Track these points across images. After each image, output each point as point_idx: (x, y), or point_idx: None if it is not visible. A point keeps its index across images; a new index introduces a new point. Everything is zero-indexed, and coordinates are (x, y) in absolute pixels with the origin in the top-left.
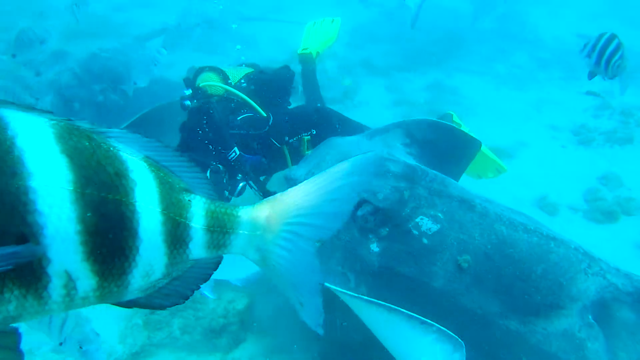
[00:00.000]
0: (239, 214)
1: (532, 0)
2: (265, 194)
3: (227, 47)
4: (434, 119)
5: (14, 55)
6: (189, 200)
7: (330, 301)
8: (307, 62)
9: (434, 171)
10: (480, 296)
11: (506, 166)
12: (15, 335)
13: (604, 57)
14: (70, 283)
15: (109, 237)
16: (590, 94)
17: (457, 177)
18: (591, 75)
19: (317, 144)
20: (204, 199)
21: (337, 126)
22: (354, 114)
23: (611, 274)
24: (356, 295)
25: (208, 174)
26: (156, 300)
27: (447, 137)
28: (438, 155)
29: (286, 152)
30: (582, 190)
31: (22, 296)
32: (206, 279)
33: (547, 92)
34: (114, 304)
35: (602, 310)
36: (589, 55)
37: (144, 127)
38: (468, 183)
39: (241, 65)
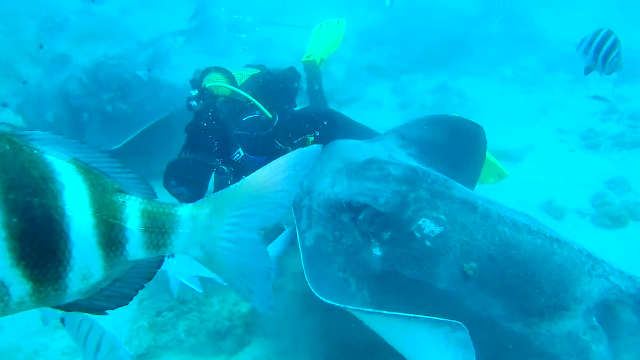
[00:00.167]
0: (178, 212)
1: (539, 1)
2: None
3: (234, 50)
4: (429, 115)
5: (41, 46)
6: (123, 201)
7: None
8: (311, 69)
9: (435, 172)
10: (485, 298)
11: (508, 171)
12: None
13: (601, 54)
14: (2, 289)
15: (38, 242)
16: (597, 99)
17: (473, 169)
18: (587, 71)
19: (322, 142)
20: (139, 200)
21: (342, 129)
22: (360, 117)
23: (614, 276)
24: (365, 310)
25: (213, 176)
26: (98, 302)
27: (446, 129)
28: (441, 150)
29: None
30: (590, 194)
31: None
32: (150, 277)
33: (554, 94)
34: (54, 307)
35: (605, 312)
36: (586, 51)
37: (154, 134)
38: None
39: (248, 66)
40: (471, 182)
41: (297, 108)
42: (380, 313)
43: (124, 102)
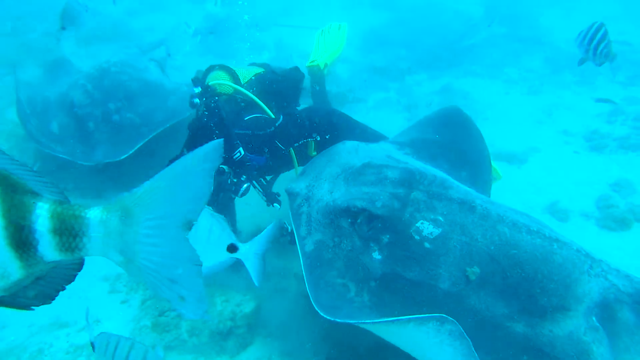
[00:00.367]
0: (88, 215)
1: (545, 2)
2: (269, 195)
3: (239, 52)
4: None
5: (63, 28)
6: (33, 202)
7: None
8: (315, 74)
9: (432, 173)
10: (487, 297)
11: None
12: None
13: (592, 45)
14: None
15: None
16: (601, 101)
17: (477, 158)
18: (581, 62)
19: (323, 145)
20: (50, 202)
21: (345, 131)
22: (365, 118)
23: (612, 275)
24: (354, 321)
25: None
26: (21, 299)
27: (435, 124)
28: (437, 145)
29: (292, 153)
30: (595, 196)
31: None
32: (71, 280)
33: (560, 96)
34: None
35: (604, 312)
36: (581, 44)
37: (162, 139)
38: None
39: (252, 64)
40: (480, 172)
41: (300, 107)
42: (368, 322)
43: (131, 110)
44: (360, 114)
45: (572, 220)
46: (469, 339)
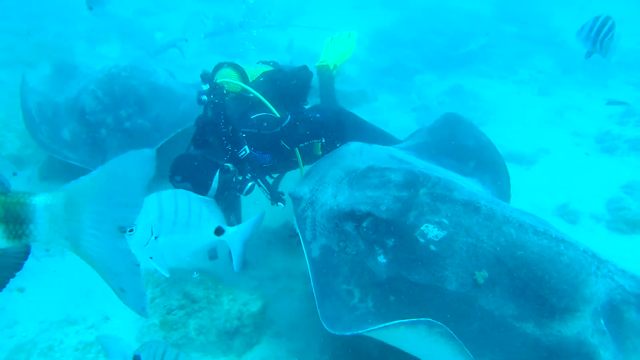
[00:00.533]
0: (33, 202)
1: (556, 2)
2: (274, 194)
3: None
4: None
5: (90, 8)
6: None
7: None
8: (324, 73)
9: (436, 174)
10: (496, 298)
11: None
12: None
13: (599, 38)
14: None
15: None
16: (612, 104)
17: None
18: (588, 55)
19: (329, 145)
20: None
21: (352, 132)
22: (374, 118)
23: (619, 275)
24: (350, 333)
25: (217, 174)
26: None
27: (436, 130)
28: (438, 146)
29: (297, 153)
30: (605, 199)
31: None
32: (18, 268)
33: (571, 97)
34: None
35: (612, 313)
36: (587, 37)
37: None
38: None
39: (261, 62)
40: (491, 168)
41: (308, 106)
42: (362, 332)
43: (142, 116)
44: (368, 114)
45: (582, 222)
46: (457, 339)
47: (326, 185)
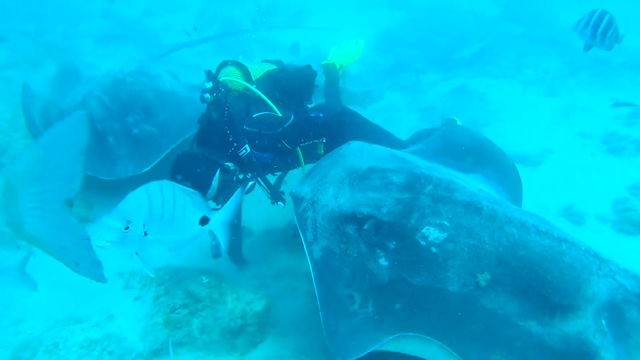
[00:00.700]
0: None
1: (563, 2)
2: (274, 193)
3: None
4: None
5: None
6: None
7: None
8: (330, 71)
9: (438, 175)
10: (499, 297)
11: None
12: None
13: (599, 31)
14: None
15: None
16: (619, 105)
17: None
18: (587, 48)
19: (331, 144)
20: None
21: (355, 131)
22: (379, 118)
23: (620, 275)
24: (381, 343)
25: (218, 173)
26: None
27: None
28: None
29: (299, 152)
30: (611, 200)
31: None
32: None
33: (577, 98)
34: None
35: (613, 313)
36: (583, 31)
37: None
38: None
39: (265, 61)
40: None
41: (312, 105)
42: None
43: (149, 122)
44: (373, 114)
45: (588, 223)
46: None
47: (327, 186)
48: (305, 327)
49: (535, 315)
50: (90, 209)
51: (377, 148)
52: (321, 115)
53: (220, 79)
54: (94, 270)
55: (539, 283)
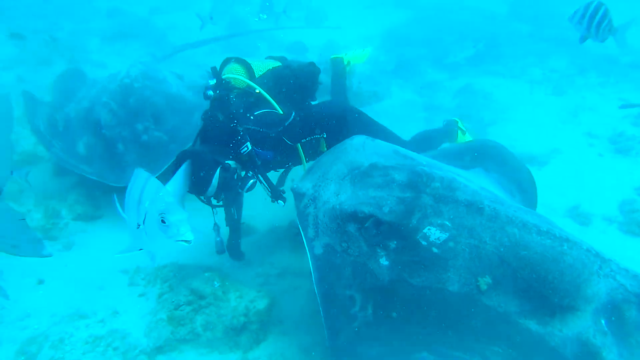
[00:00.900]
0: None
1: (571, 2)
2: (275, 191)
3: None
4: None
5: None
6: None
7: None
8: (338, 64)
9: (440, 173)
10: (499, 297)
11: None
12: None
13: (594, 23)
14: None
15: None
16: (627, 107)
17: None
18: (582, 39)
19: (334, 142)
20: None
21: (357, 128)
22: (385, 117)
23: (621, 275)
24: None
25: (218, 172)
26: None
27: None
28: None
29: (300, 149)
30: (618, 200)
31: None
32: None
33: (585, 97)
34: None
35: (613, 313)
36: (580, 22)
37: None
38: None
39: (269, 57)
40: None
41: (315, 102)
42: None
43: (158, 129)
44: (379, 113)
45: (594, 224)
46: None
47: (329, 182)
48: (307, 325)
49: (536, 315)
50: (97, 208)
51: (380, 143)
52: (322, 111)
53: (223, 77)
54: (34, 248)
55: (540, 283)
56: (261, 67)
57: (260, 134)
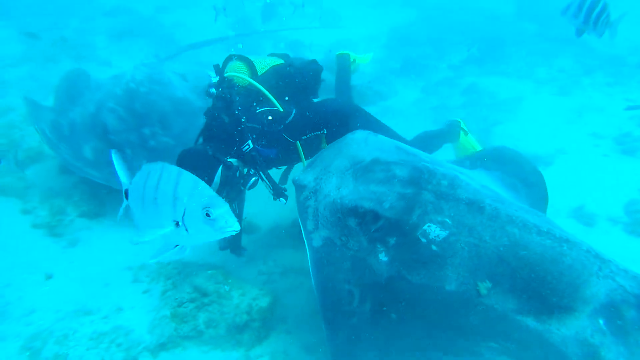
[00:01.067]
0: None
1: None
2: (277, 189)
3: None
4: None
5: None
6: None
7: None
8: (343, 60)
9: (442, 170)
10: (497, 296)
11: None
12: None
13: (592, 16)
14: None
15: None
16: (632, 109)
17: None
18: (579, 33)
19: (333, 138)
20: None
21: (359, 127)
22: (389, 116)
23: (620, 276)
24: None
25: (220, 170)
26: None
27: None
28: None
29: (299, 147)
30: (623, 201)
31: None
32: None
33: (591, 98)
34: None
35: (612, 313)
36: (576, 15)
37: None
38: None
39: (272, 55)
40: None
41: (317, 100)
42: None
43: (165, 134)
44: (383, 112)
45: (599, 225)
46: None
47: (330, 175)
48: (310, 323)
49: (534, 314)
50: (102, 206)
51: (382, 139)
52: (325, 108)
53: (226, 74)
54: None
55: (539, 284)
56: (263, 64)
57: (262, 131)
